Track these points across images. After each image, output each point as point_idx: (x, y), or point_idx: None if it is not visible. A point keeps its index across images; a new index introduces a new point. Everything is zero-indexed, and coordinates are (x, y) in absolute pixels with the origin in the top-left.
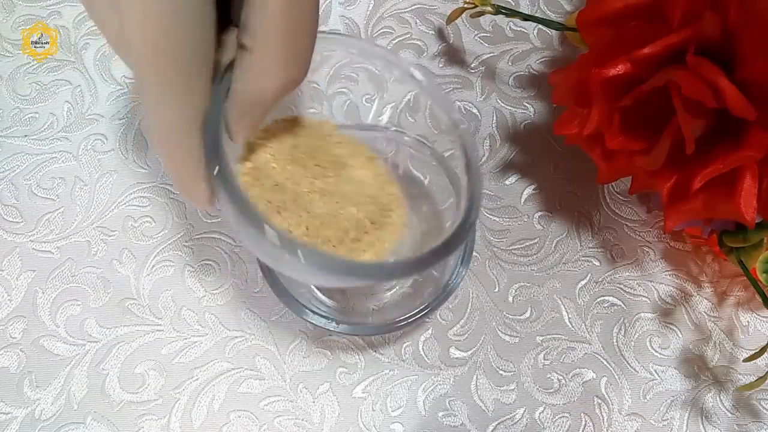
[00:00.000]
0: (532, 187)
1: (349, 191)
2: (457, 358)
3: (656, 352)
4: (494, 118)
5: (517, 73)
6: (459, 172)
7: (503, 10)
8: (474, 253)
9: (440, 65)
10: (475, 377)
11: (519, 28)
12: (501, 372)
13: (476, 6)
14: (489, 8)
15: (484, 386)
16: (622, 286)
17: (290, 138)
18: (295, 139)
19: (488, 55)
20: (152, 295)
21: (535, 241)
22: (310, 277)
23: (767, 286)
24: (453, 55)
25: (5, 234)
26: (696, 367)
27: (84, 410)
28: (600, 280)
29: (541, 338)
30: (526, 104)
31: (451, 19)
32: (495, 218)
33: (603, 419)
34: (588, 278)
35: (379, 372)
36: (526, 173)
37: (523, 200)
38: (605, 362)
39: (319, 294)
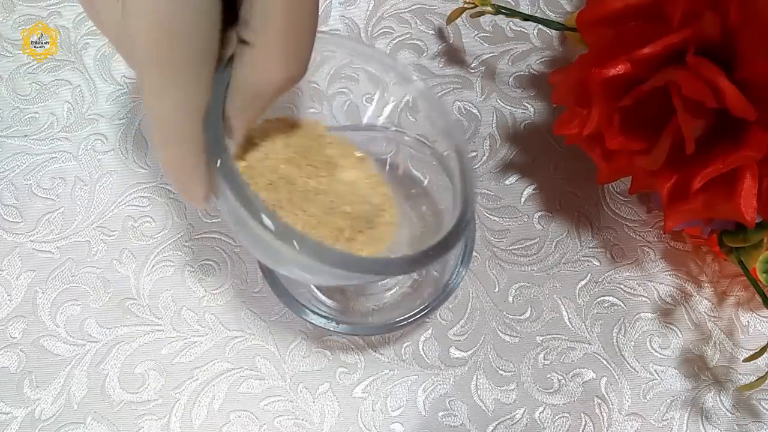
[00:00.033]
0: (532, 187)
1: (343, 191)
2: (457, 358)
3: (656, 352)
4: (494, 118)
5: (517, 73)
6: (454, 175)
7: (503, 10)
8: (474, 253)
9: (440, 65)
10: (475, 377)
11: (519, 28)
12: (501, 372)
13: (476, 6)
14: (489, 8)
15: (484, 386)
16: (622, 286)
17: (283, 138)
18: (287, 139)
19: (488, 55)
20: (152, 295)
21: (535, 241)
22: (307, 274)
23: (767, 286)
24: (453, 55)
25: (5, 234)
26: (696, 367)
27: (84, 410)
28: (600, 280)
29: (541, 338)
30: (526, 104)
31: (451, 19)
32: (495, 218)
33: (603, 419)
34: (588, 278)
35: (379, 372)
36: (526, 173)
37: (523, 200)
38: (605, 362)
39: (319, 294)
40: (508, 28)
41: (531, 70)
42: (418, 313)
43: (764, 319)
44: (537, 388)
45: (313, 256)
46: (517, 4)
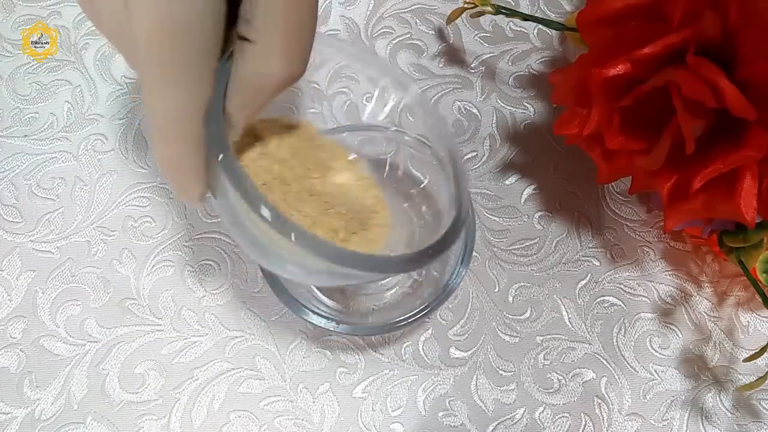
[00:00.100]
0: (532, 187)
1: (336, 192)
2: (457, 358)
3: (656, 352)
4: (494, 118)
5: (517, 73)
6: (450, 178)
7: (503, 10)
8: (474, 253)
9: (440, 65)
10: (475, 377)
11: (519, 28)
12: (501, 372)
13: (476, 6)
14: (489, 8)
15: (484, 386)
16: (622, 286)
17: (276, 139)
18: (281, 140)
19: (488, 55)
20: (152, 295)
21: (535, 241)
22: (301, 271)
23: (767, 286)
24: (453, 55)
25: (5, 234)
26: (696, 367)
27: (84, 410)
28: (600, 280)
29: (541, 338)
30: (526, 104)
31: (451, 19)
32: (495, 218)
33: (603, 419)
34: (588, 278)
35: (379, 372)
36: (526, 173)
37: (523, 200)
38: (605, 362)
39: (319, 294)
40: (508, 28)
41: (531, 70)
42: (418, 313)
43: (764, 319)
44: (537, 388)
45: (309, 249)
46: (517, 4)
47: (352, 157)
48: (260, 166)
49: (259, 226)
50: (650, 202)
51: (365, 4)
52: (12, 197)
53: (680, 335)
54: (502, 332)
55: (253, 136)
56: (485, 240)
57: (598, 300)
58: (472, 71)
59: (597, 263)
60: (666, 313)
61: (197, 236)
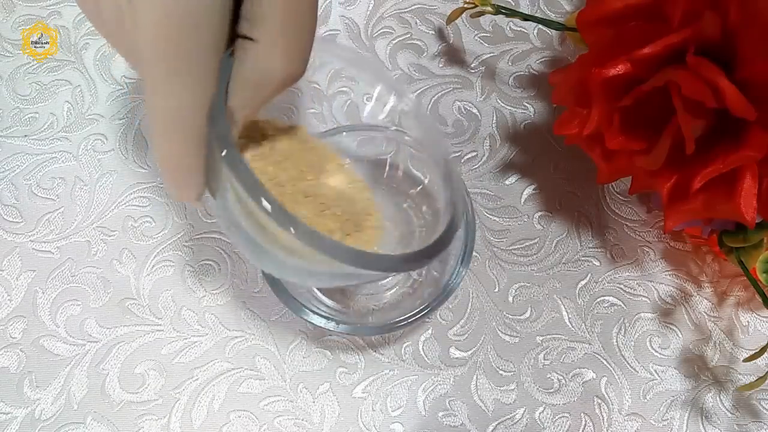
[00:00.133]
0: (532, 187)
1: (330, 194)
2: (457, 358)
3: (656, 352)
4: (494, 118)
5: (517, 73)
6: (441, 184)
7: (503, 10)
8: (474, 253)
9: (440, 65)
10: (475, 377)
11: (519, 28)
12: (501, 372)
13: (476, 6)
14: (489, 8)
15: (484, 386)
16: (622, 286)
17: (269, 141)
18: (273, 143)
19: (488, 55)
20: (152, 295)
21: (535, 241)
22: (298, 272)
23: (767, 286)
24: (453, 55)
25: (5, 234)
26: (696, 367)
27: (84, 410)
28: (600, 280)
29: (541, 338)
30: (526, 104)
31: (451, 19)
32: (495, 218)
33: (603, 419)
34: (588, 278)
35: (379, 372)
36: (526, 173)
37: (523, 200)
38: (605, 362)
39: (319, 294)
40: (508, 28)
41: (531, 70)
42: (418, 313)
43: (764, 319)
44: (537, 388)
45: (307, 242)
46: (517, 4)
47: (343, 160)
48: (255, 168)
49: (257, 224)
50: (650, 202)
51: (365, 4)
52: (12, 197)
53: (680, 335)
54: (502, 332)
55: (246, 138)
56: (485, 240)
57: (598, 300)
58: (472, 71)
59: (597, 263)
60: (666, 313)
61: (197, 236)
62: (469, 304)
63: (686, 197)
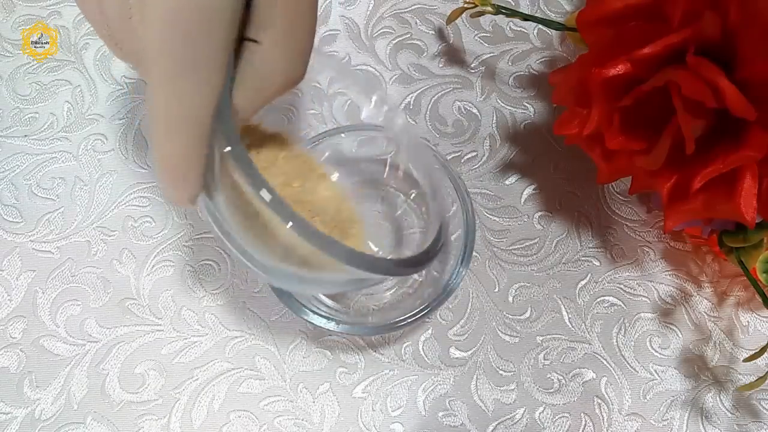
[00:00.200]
0: (532, 187)
1: (316, 201)
2: (457, 358)
3: (656, 352)
4: (494, 118)
5: (517, 73)
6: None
7: (503, 10)
8: (474, 253)
9: (440, 65)
10: (475, 377)
11: (519, 28)
12: (501, 372)
13: (476, 6)
14: (489, 8)
15: (484, 386)
16: (622, 286)
17: (254, 148)
18: (259, 149)
19: (488, 55)
20: (152, 295)
21: (535, 241)
22: (287, 278)
23: (767, 286)
24: (453, 55)
25: (5, 234)
26: (696, 367)
27: (84, 410)
28: (600, 280)
29: (541, 338)
30: (526, 104)
31: (451, 19)
32: (495, 218)
33: (603, 419)
34: (588, 278)
35: (379, 372)
36: (526, 173)
37: (523, 200)
38: (605, 362)
39: (319, 294)
40: (508, 28)
41: (531, 70)
42: (418, 313)
43: (764, 319)
44: (537, 388)
45: (303, 236)
46: (517, 4)
47: (326, 169)
48: None
49: (248, 229)
50: (650, 202)
51: (365, 4)
52: (12, 197)
53: (680, 335)
54: (502, 332)
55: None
56: (485, 240)
57: (598, 300)
58: (472, 71)
59: (597, 263)
60: (666, 313)
61: (197, 236)
62: (469, 304)
63: (686, 197)
